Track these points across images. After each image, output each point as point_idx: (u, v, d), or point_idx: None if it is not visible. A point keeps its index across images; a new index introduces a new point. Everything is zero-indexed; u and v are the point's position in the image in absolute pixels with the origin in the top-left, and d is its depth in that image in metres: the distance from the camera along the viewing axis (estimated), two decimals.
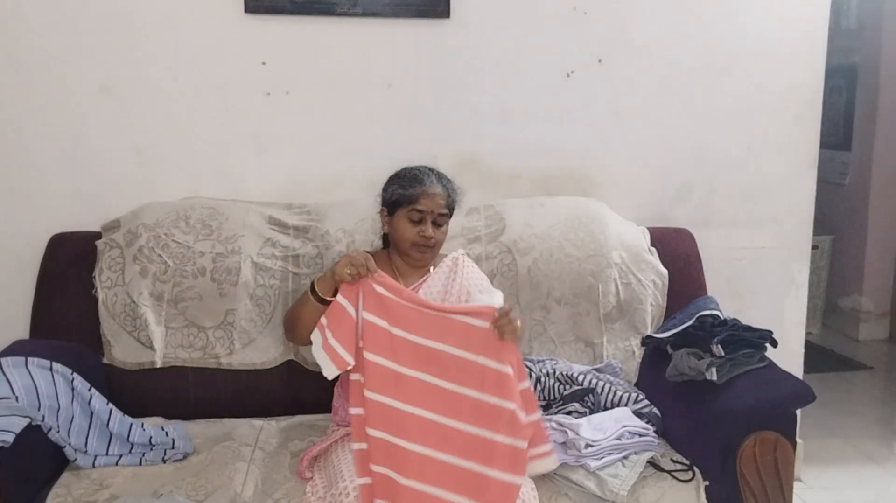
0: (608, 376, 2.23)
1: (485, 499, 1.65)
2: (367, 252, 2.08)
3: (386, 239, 2.12)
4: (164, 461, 1.92)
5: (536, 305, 2.32)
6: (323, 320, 1.83)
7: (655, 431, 2.02)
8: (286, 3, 2.35)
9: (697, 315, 2.09)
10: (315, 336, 1.83)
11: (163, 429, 1.97)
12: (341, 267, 1.80)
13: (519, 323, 1.76)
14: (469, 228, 2.36)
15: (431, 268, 2.04)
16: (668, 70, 2.58)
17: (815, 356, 3.87)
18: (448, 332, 1.79)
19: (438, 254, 2.07)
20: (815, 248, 3.39)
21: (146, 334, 2.16)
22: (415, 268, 2.04)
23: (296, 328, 1.93)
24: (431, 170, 2.04)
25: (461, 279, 1.98)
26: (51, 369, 1.83)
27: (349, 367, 1.79)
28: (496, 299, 1.84)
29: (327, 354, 1.79)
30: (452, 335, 1.78)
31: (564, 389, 2.15)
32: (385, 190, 2.05)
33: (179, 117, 2.38)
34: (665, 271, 2.41)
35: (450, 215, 2.04)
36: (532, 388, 1.83)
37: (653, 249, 2.44)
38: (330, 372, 1.79)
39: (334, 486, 1.68)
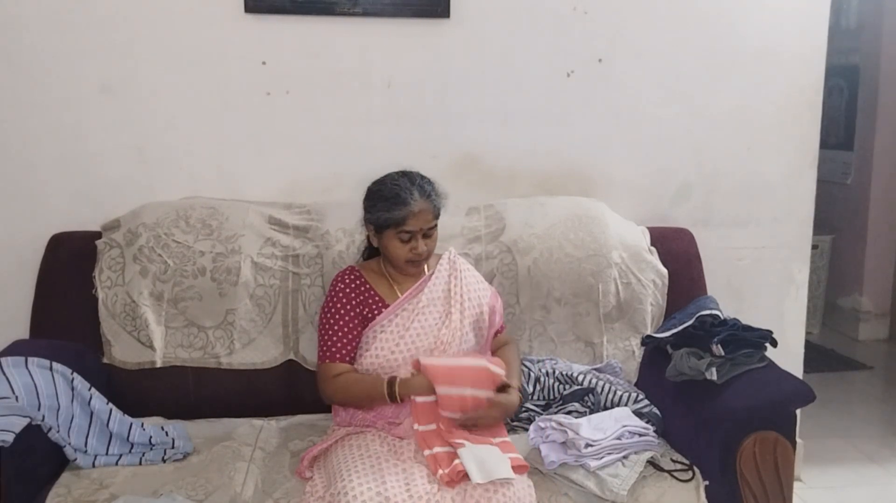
0: (608, 376, 2.23)
1: None
2: (357, 266, 2.06)
3: (371, 246, 2.09)
4: (164, 461, 1.92)
5: (536, 305, 2.31)
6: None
7: (655, 431, 2.02)
8: (286, 2, 2.35)
9: (697, 315, 2.09)
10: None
11: (163, 428, 1.97)
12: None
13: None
14: (469, 228, 2.36)
15: (426, 269, 2.05)
16: (668, 70, 2.58)
17: (815, 356, 3.88)
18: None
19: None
20: (815, 247, 3.39)
21: (146, 334, 2.16)
22: (409, 275, 2.03)
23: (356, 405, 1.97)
24: (412, 181, 1.94)
25: (462, 281, 2.03)
26: (51, 369, 1.83)
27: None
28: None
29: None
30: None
31: (564, 389, 2.16)
32: (369, 210, 1.98)
33: (179, 117, 2.38)
34: (665, 271, 2.41)
35: (437, 219, 2.00)
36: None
37: (653, 249, 2.44)
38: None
39: (333, 486, 1.68)
